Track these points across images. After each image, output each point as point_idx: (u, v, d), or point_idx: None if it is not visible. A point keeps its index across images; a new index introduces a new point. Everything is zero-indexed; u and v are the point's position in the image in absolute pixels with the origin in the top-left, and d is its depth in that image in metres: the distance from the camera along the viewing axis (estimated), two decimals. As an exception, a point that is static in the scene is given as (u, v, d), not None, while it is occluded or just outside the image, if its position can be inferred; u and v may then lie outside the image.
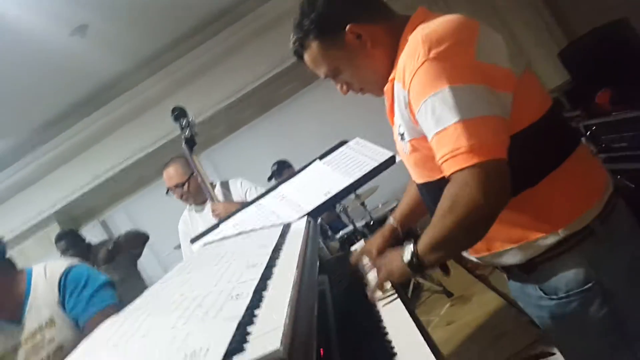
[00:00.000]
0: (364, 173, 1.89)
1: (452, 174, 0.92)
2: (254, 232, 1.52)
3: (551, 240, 1.00)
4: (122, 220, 5.23)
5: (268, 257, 1.03)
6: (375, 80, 1.16)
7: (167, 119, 2.66)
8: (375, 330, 1.01)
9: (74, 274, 1.62)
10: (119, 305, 1.60)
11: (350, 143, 2.12)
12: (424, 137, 1.00)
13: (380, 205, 4.40)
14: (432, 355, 0.84)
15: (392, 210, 4.04)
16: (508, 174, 0.90)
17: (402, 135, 1.10)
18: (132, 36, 3.97)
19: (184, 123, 2.55)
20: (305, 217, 1.56)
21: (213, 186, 2.58)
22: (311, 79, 4.94)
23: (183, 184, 2.57)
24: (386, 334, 0.99)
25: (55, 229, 4.70)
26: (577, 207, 1.01)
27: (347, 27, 1.09)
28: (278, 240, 1.22)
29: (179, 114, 2.57)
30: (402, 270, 1.08)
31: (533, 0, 4.84)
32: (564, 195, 1.01)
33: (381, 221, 3.99)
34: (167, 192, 2.65)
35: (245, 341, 0.60)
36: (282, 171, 4.21)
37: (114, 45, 3.91)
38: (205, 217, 2.59)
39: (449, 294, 3.45)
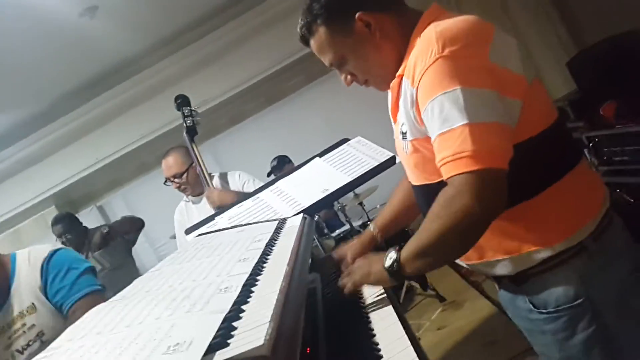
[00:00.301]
0: (363, 172, 1.88)
1: (451, 177, 0.91)
2: (249, 226, 1.51)
3: (544, 254, 0.99)
4: (119, 207, 5.22)
5: (260, 252, 1.02)
6: (380, 73, 1.13)
7: (170, 106, 2.65)
8: (363, 332, 1.00)
9: (57, 259, 1.57)
10: (103, 291, 1.56)
11: (352, 141, 2.11)
12: (427, 139, 0.98)
13: (378, 206, 4.37)
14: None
15: (385, 204, 4.02)
16: (505, 185, 0.89)
17: (404, 134, 1.07)
18: (141, 22, 3.96)
19: (186, 111, 2.54)
20: (302, 213, 1.55)
21: (211, 177, 2.57)
22: (317, 74, 4.93)
23: (182, 174, 2.57)
24: (374, 335, 0.98)
25: (52, 212, 4.70)
26: (573, 223, 1.00)
27: (357, 14, 1.06)
28: (272, 235, 1.21)
29: (182, 102, 2.56)
30: (379, 275, 1.06)
31: (546, 7, 4.81)
32: (561, 211, 0.99)
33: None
34: (165, 182, 2.64)
35: (230, 336, 0.60)
36: (282, 166, 4.20)
37: (122, 30, 3.89)
38: (202, 208, 2.58)
39: (442, 299, 3.44)
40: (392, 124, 1.18)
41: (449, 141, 0.90)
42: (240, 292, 0.75)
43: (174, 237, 2.93)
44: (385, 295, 1.17)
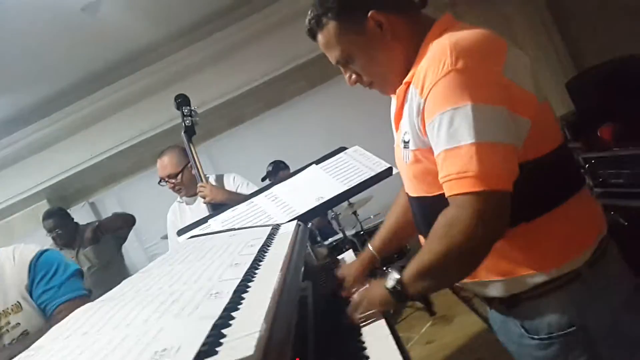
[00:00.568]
0: (359, 182, 1.87)
1: (453, 195, 0.89)
2: (242, 231, 1.50)
3: (539, 279, 0.97)
4: (112, 204, 5.19)
5: (253, 258, 1.01)
6: (387, 76, 1.11)
7: (169, 105, 2.64)
8: (354, 344, 0.98)
9: (46, 259, 1.57)
10: (89, 296, 1.55)
11: (349, 150, 2.11)
12: (430, 150, 0.96)
13: (372, 217, 4.37)
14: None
15: (382, 222, 4.02)
16: (509, 207, 0.88)
17: (406, 142, 1.05)
18: (142, 19, 3.94)
19: (185, 111, 2.54)
20: (295, 220, 1.54)
21: (207, 179, 2.56)
22: (317, 80, 4.93)
23: (176, 175, 2.55)
24: (364, 349, 0.97)
25: (44, 206, 4.66)
26: (571, 250, 0.98)
27: (370, 12, 1.03)
28: (265, 241, 1.20)
29: (181, 101, 2.56)
30: (383, 297, 1.03)
31: (547, 27, 4.85)
32: (560, 236, 0.97)
33: (371, 232, 3.97)
34: (159, 182, 2.63)
35: (219, 344, 0.58)
36: (278, 172, 4.19)
37: (123, 27, 3.88)
38: (195, 209, 2.57)
39: (432, 313, 3.42)
40: (394, 131, 1.16)
41: (455, 158, 0.88)
42: (230, 298, 0.74)
43: (165, 237, 2.91)
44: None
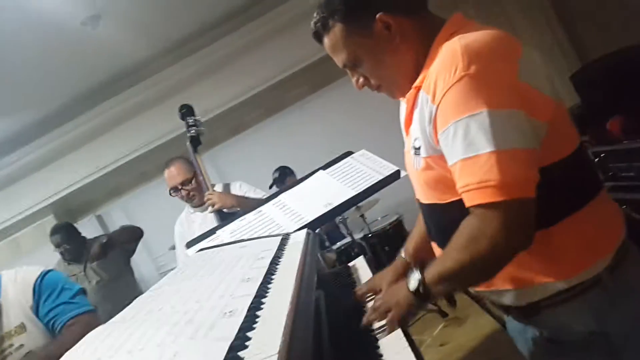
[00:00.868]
0: (367, 186, 1.86)
1: (475, 206, 0.86)
2: (252, 241, 1.48)
3: (559, 286, 0.94)
4: (119, 217, 5.18)
5: (265, 271, 0.99)
6: (396, 79, 1.07)
7: (172, 116, 2.62)
8: (371, 356, 0.96)
9: (50, 279, 1.60)
10: (96, 312, 1.59)
11: (356, 154, 2.09)
12: (443, 157, 0.92)
13: (379, 219, 4.35)
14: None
15: (391, 224, 4.01)
16: (533, 215, 0.84)
17: (417, 149, 1.01)
18: (143, 31, 3.95)
19: (190, 121, 2.51)
20: (305, 228, 1.52)
21: (213, 187, 2.54)
22: (320, 84, 4.92)
23: (190, 180, 2.52)
24: (380, 355, 0.94)
25: (50, 222, 4.66)
26: (591, 256, 0.94)
27: (379, 14, 1.00)
28: (276, 253, 1.18)
29: (186, 111, 2.53)
30: (408, 299, 1.00)
31: (549, 20, 4.81)
32: (580, 242, 0.94)
33: (379, 235, 3.95)
34: (170, 193, 2.60)
35: (236, 368, 0.57)
36: (285, 178, 4.17)
37: (124, 40, 3.89)
38: (204, 219, 2.55)
39: (444, 314, 3.39)
40: (404, 136, 1.12)
41: (474, 167, 0.85)
42: (245, 317, 0.72)
43: (173, 248, 2.89)
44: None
